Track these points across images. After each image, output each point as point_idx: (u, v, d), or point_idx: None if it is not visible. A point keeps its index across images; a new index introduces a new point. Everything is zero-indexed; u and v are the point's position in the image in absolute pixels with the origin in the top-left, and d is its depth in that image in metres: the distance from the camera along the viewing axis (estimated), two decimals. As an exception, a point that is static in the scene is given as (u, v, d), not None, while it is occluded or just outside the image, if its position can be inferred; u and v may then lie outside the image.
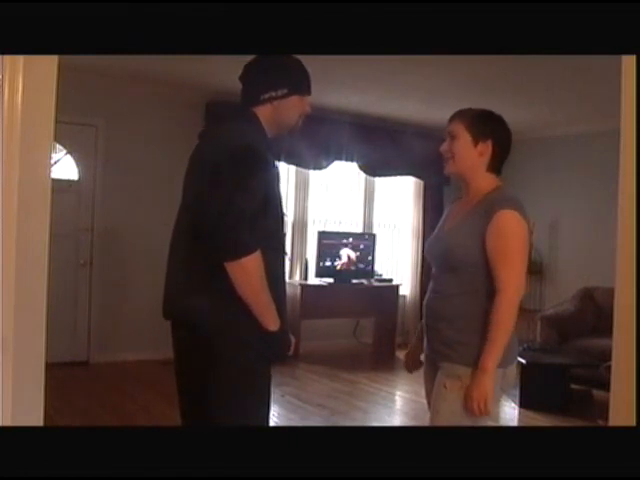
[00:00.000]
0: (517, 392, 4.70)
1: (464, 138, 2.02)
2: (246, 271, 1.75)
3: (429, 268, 2.30)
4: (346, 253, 6.63)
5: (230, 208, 1.72)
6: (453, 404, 1.94)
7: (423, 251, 7.42)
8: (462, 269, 1.99)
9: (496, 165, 2.06)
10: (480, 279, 1.96)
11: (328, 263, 6.55)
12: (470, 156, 2.02)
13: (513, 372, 2.08)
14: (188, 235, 1.87)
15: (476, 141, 2.01)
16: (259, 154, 1.83)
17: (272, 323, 1.82)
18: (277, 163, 1.98)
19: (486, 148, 2.02)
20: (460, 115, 2.05)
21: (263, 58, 1.97)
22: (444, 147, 2.06)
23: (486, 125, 2.03)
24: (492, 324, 1.90)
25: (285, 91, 1.95)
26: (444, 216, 2.20)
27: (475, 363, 1.92)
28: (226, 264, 1.73)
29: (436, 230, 2.19)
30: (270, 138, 1.99)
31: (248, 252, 1.73)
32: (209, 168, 1.79)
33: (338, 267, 6.59)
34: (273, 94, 1.94)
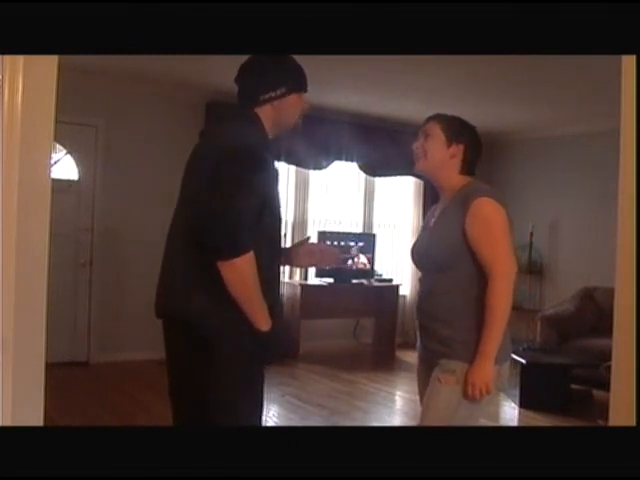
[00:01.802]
0: (517, 392, 4.70)
1: (438, 138, 2.08)
2: (239, 271, 1.74)
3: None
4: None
5: (227, 208, 1.72)
6: (446, 398, 1.96)
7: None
8: (447, 265, 2.01)
9: (468, 169, 2.12)
10: (468, 273, 1.99)
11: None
12: (441, 155, 2.08)
13: (507, 370, 2.09)
14: (184, 234, 1.87)
15: (449, 142, 2.08)
16: (258, 155, 1.83)
17: (264, 323, 1.82)
18: (276, 164, 1.98)
19: (458, 151, 2.08)
20: (437, 117, 2.13)
21: (257, 59, 1.96)
22: (417, 144, 2.12)
23: (461, 130, 2.10)
24: (489, 310, 1.92)
25: (284, 90, 1.95)
26: (425, 221, 2.25)
27: (470, 359, 1.93)
28: (219, 264, 1.73)
29: (418, 234, 2.25)
30: (271, 139, 1.99)
31: (242, 253, 1.73)
32: (208, 168, 1.79)
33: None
34: (272, 94, 1.94)
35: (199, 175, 1.84)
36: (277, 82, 1.94)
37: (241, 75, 1.99)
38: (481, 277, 1.96)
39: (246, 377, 1.86)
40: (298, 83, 1.99)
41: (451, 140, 2.08)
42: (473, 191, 2.03)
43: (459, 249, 1.98)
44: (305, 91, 2.03)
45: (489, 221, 1.97)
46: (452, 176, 2.10)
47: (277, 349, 1.91)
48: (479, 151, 2.15)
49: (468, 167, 2.12)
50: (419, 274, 2.23)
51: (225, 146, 1.82)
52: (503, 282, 1.93)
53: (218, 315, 1.80)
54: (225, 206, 1.72)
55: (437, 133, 2.08)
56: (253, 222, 1.77)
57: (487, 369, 1.91)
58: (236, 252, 1.73)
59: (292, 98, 1.97)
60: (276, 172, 1.94)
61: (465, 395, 1.93)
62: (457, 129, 2.10)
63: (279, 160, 6.06)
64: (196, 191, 1.82)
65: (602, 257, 5.16)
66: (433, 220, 2.14)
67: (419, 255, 2.17)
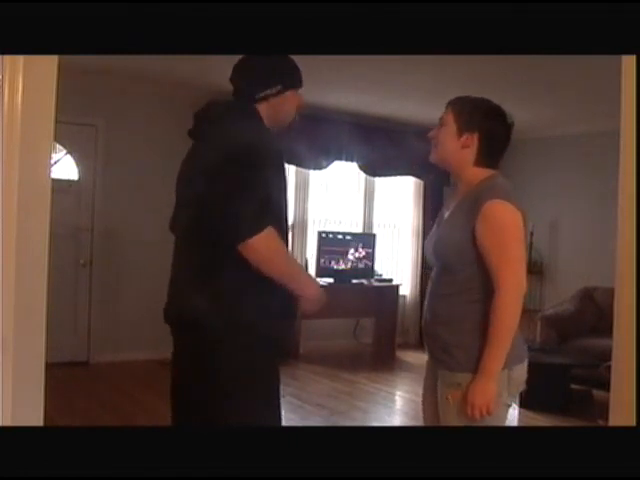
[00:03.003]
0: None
1: (450, 127, 1.93)
2: (257, 251, 1.73)
3: (429, 268, 2.27)
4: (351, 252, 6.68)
5: (235, 193, 1.71)
6: (461, 416, 1.85)
7: (423, 251, 7.42)
8: (454, 267, 1.90)
9: (486, 160, 1.94)
10: (475, 277, 1.87)
11: (331, 263, 6.55)
12: (452, 147, 1.93)
13: (522, 374, 1.93)
14: (189, 235, 1.86)
15: (460, 132, 1.91)
16: (269, 151, 1.82)
17: (309, 288, 1.86)
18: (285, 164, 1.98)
19: (471, 140, 1.91)
20: (454, 103, 1.97)
21: (251, 58, 1.96)
22: (431, 133, 2.00)
23: (474, 117, 1.92)
24: (492, 325, 1.79)
25: (279, 87, 1.94)
26: (440, 213, 2.11)
27: (474, 368, 1.82)
28: (240, 248, 1.72)
29: (433, 227, 2.13)
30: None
31: (253, 232, 1.72)
32: (216, 161, 1.77)
33: (343, 267, 6.61)
34: (268, 92, 1.93)
35: (206, 175, 1.81)
36: (273, 79, 1.94)
37: (236, 74, 1.98)
38: (487, 281, 1.84)
39: (253, 379, 1.85)
40: (293, 79, 1.99)
41: (462, 129, 1.91)
42: (488, 190, 1.86)
43: (467, 251, 1.85)
44: (300, 86, 2.03)
45: (500, 227, 1.82)
46: (466, 168, 1.94)
47: (288, 345, 1.92)
48: (499, 141, 1.94)
49: (485, 159, 1.93)
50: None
51: (237, 143, 1.79)
52: (510, 296, 1.79)
53: (226, 317, 1.79)
54: (231, 192, 1.72)
55: (449, 122, 1.93)
56: (266, 203, 1.76)
57: (488, 388, 1.79)
58: (249, 232, 1.71)
59: (288, 95, 1.97)
60: (285, 170, 1.94)
61: (464, 414, 1.82)
62: (471, 116, 1.91)
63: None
64: (205, 189, 1.80)
65: (602, 257, 5.15)
66: (447, 214, 2.00)
67: (428, 250, 2.05)
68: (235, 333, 1.80)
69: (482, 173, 1.93)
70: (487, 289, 1.84)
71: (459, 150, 1.93)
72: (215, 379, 1.82)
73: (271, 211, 1.81)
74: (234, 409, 1.82)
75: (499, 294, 1.80)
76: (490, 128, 1.92)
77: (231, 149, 1.79)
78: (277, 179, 1.84)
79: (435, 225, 2.09)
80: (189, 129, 1.99)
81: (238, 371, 1.82)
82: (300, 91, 2.05)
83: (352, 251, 6.67)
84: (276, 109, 1.96)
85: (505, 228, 1.83)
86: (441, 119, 1.98)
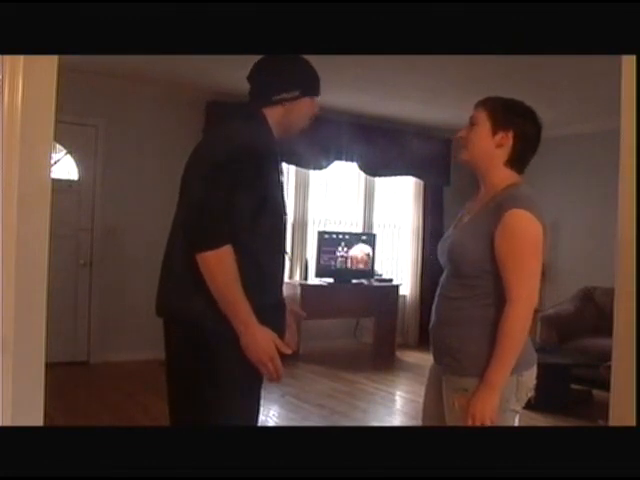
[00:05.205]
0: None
1: (483, 126, 1.88)
2: (207, 266, 1.72)
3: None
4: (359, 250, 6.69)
5: (207, 202, 1.71)
6: (467, 422, 1.81)
7: (423, 251, 7.43)
8: (466, 271, 1.86)
9: (517, 161, 1.91)
10: (486, 284, 1.83)
11: (328, 262, 6.56)
12: (486, 145, 1.88)
13: (531, 380, 1.88)
14: (182, 233, 1.86)
15: (495, 130, 1.87)
16: (260, 155, 1.82)
17: (241, 328, 1.75)
18: (282, 165, 1.96)
19: (506, 139, 1.87)
20: (485, 103, 1.93)
21: (274, 58, 1.94)
22: (461, 133, 1.94)
23: (509, 115, 1.89)
24: (500, 337, 1.75)
25: (297, 93, 1.92)
26: (459, 215, 2.06)
27: (480, 373, 1.78)
28: (196, 257, 1.72)
29: (449, 229, 2.08)
30: (278, 140, 1.96)
31: (210, 247, 1.70)
32: (206, 165, 1.78)
33: (343, 267, 6.62)
34: (285, 95, 1.90)
35: (196, 172, 1.82)
36: (291, 84, 1.91)
37: (255, 73, 1.96)
38: (498, 288, 1.80)
39: (243, 377, 1.84)
40: (312, 87, 1.96)
41: (497, 127, 1.87)
42: (512, 198, 1.82)
43: (482, 257, 1.82)
44: (317, 95, 2.00)
45: (519, 237, 1.79)
46: (496, 169, 1.90)
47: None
48: (531, 142, 1.92)
49: (515, 161, 1.90)
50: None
51: (226, 144, 1.80)
52: (521, 308, 1.75)
53: (217, 314, 1.79)
54: (204, 199, 1.71)
55: (482, 121, 1.88)
56: (254, 222, 1.76)
57: (490, 400, 1.75)
58: (206, 244, 1.70)
59: (304, 101, 1.94)
60: (279, 171, 1.93)
61: (465, 421, 1.78)
62: (506, 114, 1.88)
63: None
64: (191, 188, 1.81)
65: (602, 257, 5.16)
66: (467, 218, 1.95)
67: (441, 252, 2.01)
68: (228, 331, 1.79)
69: (509, 177, 1.90)
70: (497, 296, 1.81)
71: (492, 149, 1.88)
72: (206, 378, 1.81)
73: (268, 215, 1.80)
74: (222, 408, 1.81)
75: (510, 305, 1.76)
76: (524, 127, 1.90)
77: (219, 148, 1.78)
78: (264, 183, 1.82)
79: (452, 227, 2.05)
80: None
81: (229, 370, 1.80)
82: None
83: (353, 249, 6.68)
84: (290, 114, 1.93)
85: (523, 239, 1.81)
86: (472, 118, 1.93)
